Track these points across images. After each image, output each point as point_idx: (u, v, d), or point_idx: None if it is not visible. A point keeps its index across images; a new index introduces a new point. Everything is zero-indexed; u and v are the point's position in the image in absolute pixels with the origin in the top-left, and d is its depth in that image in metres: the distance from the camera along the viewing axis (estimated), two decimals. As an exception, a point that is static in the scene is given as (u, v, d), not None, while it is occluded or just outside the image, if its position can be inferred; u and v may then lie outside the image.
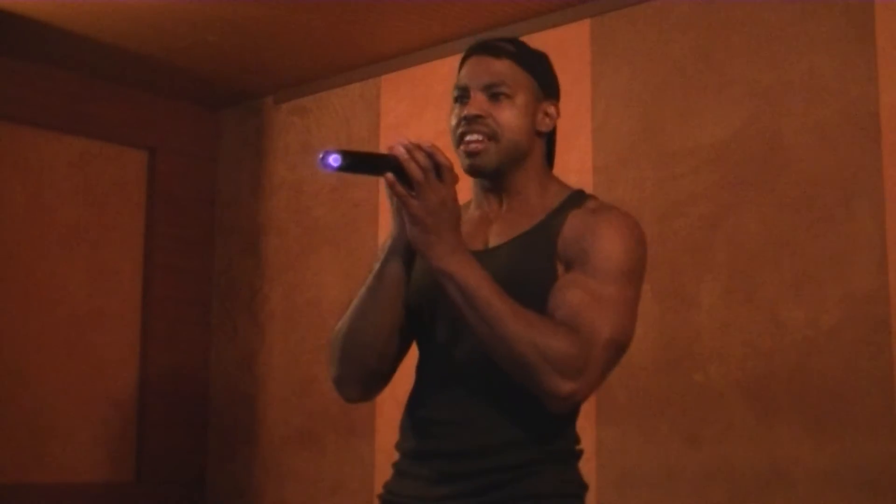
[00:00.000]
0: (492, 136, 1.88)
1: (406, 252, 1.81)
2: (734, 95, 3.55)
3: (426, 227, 1.71)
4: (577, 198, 1.93)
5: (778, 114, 3.45)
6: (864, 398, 3.17)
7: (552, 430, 1.84)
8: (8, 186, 4.54)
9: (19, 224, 4.56)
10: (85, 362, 4.68)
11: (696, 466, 3.46)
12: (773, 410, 3.34)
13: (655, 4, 3.77)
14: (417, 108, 4.41)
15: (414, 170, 1.69)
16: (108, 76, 4.76)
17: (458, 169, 1.80)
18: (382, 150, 1.75)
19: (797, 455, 3.27)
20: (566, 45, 3.92)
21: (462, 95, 1.92)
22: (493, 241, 1.91)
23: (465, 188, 1.91)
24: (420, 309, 1.90)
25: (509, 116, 1.89)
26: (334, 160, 1.66)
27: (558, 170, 2.02)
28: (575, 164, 3.80)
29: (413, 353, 1.96)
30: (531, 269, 1.84)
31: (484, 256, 1.83)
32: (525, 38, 2.06)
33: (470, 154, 1.88)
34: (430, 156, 1.71)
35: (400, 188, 1.70)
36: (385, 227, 4.33)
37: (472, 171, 1.91)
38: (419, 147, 1.71)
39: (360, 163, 1.73)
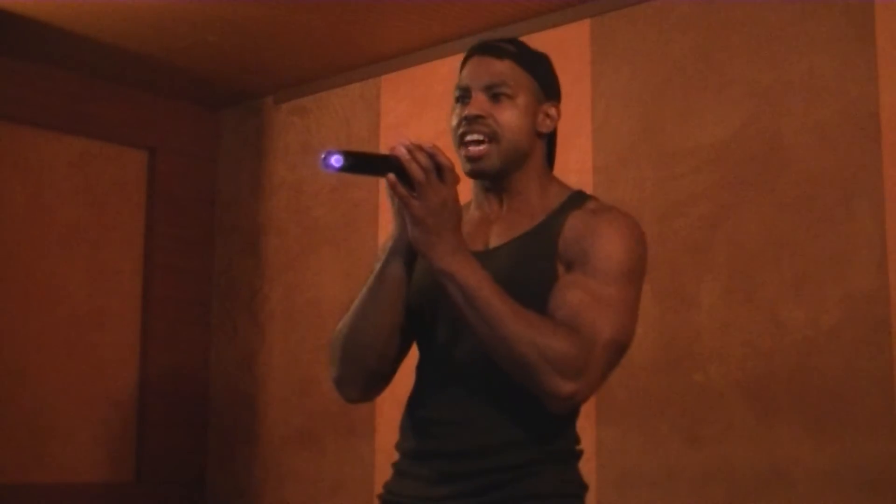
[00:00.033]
0: (492, 137, 1.88)
1: (407, 252, 1.81)
2: (734, 95, 3.55)
3: (427, 228, 1.71)
4: (578, 198, 1.93)
5: (778, 114, 3.45)
6: (864, 398, 3.18)
7: (552, 430, 1.84)
8: (8, 186, 4.54)
9: (19, 224, 4.56)
10: (85, 362, 4.68)
11: (696, 466, 3.46)
12: (773, 410, 3.34)
13: (655, 4, 3.77)
14: (417, 108, 4.41)
15: (415, 170, 1.70)
16: (108, 76, 4.76)
17: (459, 170, 1.81)
18: (382, 150, 1.76)
19: (797, 455, 3.27)
20: (566, 45, 3.92)
21: (463, 95, 1.92)
22: (494, 242, 1.91)
23: (466, 189, 1.91)
24: (421, 309, 1.90)
25: (510, 117, 1.89)
26: (336, 161, 1.66)
27: (558, 170, 2.02)
28: (575, 164, 3.80)
29: (413, 353, 1.97)
30: (532, 269, 1.84)
31: (484, 257, 1.83)
32: (525, 38, 2.07)
33: (471, 159, 1.89)
34: (431, 156, 1.71)
35: (401, 189, 1.70)
36: (385, 227, 4.33)
37: (474, 174, 1.92)
38: (421, 148, 1.71)
39: (362, 163, 1.73)
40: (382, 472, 2.19)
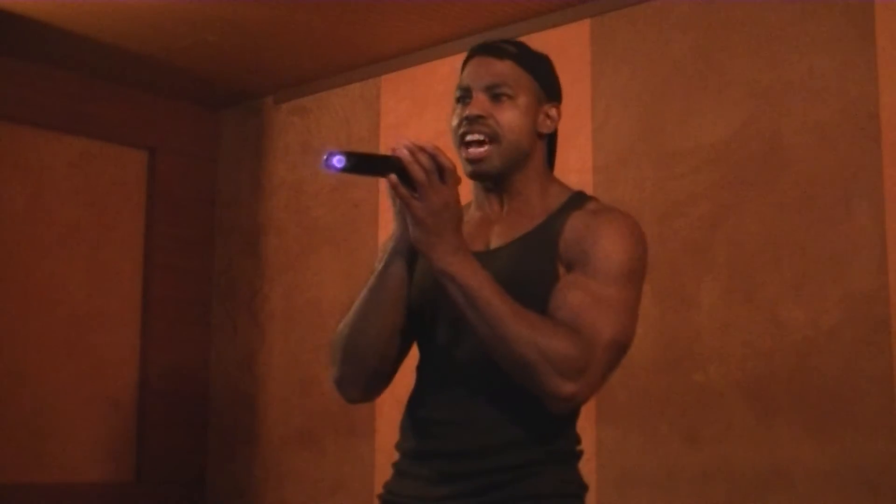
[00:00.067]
0: (493, 137, 1.88)
1: (408, 253, 1.82)
2: (734, 95, 3.55)
3: (428, 229, 1.71)
4: (578, 199, 1.93)
5: (778, 114, 3.45)
6: (864, 398, 3.18)
7: (553, 430, 1.85)
8: (8, 186, 4.54)
9: (19, 224, 4.56)
10: (85, 362, 4.68)
11: (696, 466, 3.46)
12: (773, 410, 3.34)
13: (655, 4, 3.77)
14: (417, 108, 4.41)
15: (417, 171, 1.70)
16: (108, 76, 4.76)
17: (460, 170, 1.81)
18: (383, 150, 1.76)
19: (797, 455, 3.27)
20: (566, 45, 3.92)
21: (464, 96, 1.92)
22: (495, 243, 1.91)
23: (466, 189, 1.91)
24: (421, 309, 1.90)
25: (511, 117, 1.89)
26: (338, 161, 1.66)
27: (558, 170, 2.02)
28: (575, 164, 3.80)
29: (414, 353, 1.97)
30: (532, 270, 1.84)
31: (485, 257, 1.83)
32: (525, 39, 2.07)
33: (472, 161, 1.89)
34: (433, 157, 1.71)
35: (403, 189, 1.71)
36: (385, 227, 4.34)
37: (475, 176, 1.92)
38: (422, 149, 1.71)
39: (364, 164, 1.73)
40: (382, 472, 2.19)
